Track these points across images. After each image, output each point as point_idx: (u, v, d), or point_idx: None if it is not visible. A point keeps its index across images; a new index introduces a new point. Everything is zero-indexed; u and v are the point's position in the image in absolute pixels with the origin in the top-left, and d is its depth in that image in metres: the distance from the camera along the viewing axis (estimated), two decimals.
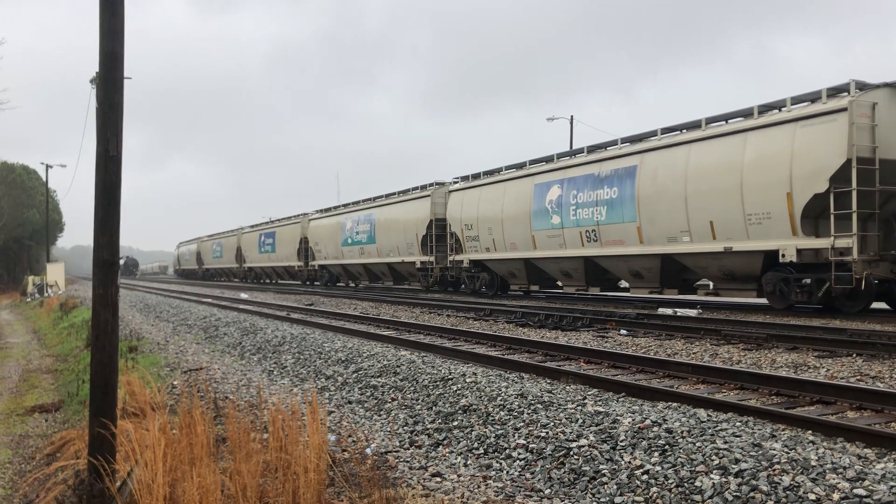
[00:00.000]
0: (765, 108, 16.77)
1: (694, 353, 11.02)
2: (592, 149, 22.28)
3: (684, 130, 18.99)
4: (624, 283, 23.13)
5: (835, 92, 15.26)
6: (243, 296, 32.82)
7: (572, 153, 23.50)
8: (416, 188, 32.63)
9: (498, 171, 27.00)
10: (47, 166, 53.09)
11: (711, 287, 19.00)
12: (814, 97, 15.72)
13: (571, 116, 41.15)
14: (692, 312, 16.97)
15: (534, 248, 23.92)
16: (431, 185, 31.33)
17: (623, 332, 14.08)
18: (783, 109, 16.31)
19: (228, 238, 60.94)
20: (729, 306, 19.42)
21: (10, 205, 61.87)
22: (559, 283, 25.10)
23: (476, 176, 28.21)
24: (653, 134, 19.92)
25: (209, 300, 29.39)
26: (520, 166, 25.71)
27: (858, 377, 8.69)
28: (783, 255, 15.79)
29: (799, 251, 15.54)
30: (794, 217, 15.56)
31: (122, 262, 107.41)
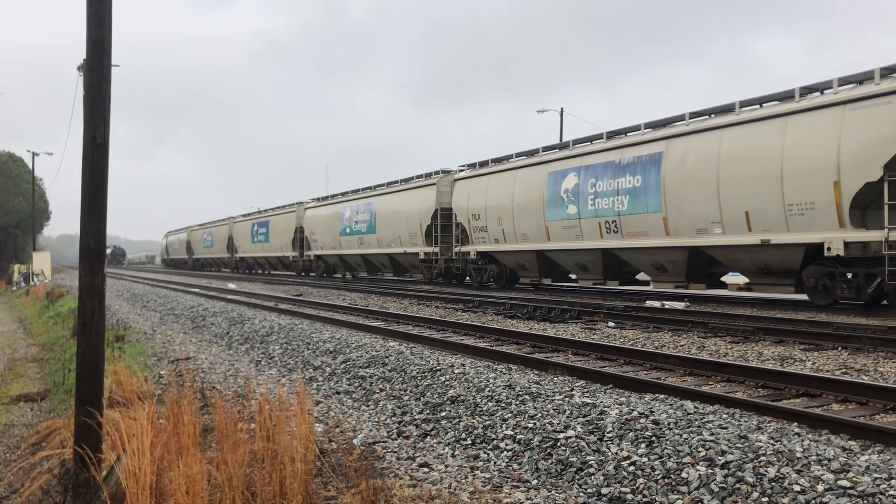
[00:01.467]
0: (807, 91, 15.73)
1: (681, 346, 11.07)
2: (612, 134, 21.09)
3: (713, 115, 17.96)
4: (643, 276, 22.08)
5: (888, 72, 14.32)
6: (231, 286, 32.71)
7: (589, 139, 22.17)
8: (419, 176, 31.42)
9: (507, 158, 25.85)
10: (33, 154, 52.68)
11: (744, 282, 18.00)
12: (863, 78, 14.74)
13: (562, 109, 41.07)
14: (680, 305, 17.03)
15: (547, 240, 22.74)
16: (437, 172, 30.21)
17: (611, 324, 14.12)
18: (826, 92, 15.31)
19: (220, 227, 59.64)
20: (716, 299, 19.50)
21: None
22: (572, 277, 24.10)
23: (483, 163, 27.00)
24: (679, 118, 18.78)
25: (196, 290, 29.28)
26: (531, 153, 24.55)
27: (844, 370, 8.76)
28: (829, 249, 14.68)
29: (846, 244, 14.44)
30: (841, 207, 14.46)
31: (109, 251, 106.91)
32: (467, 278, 28.99)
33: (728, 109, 17.40)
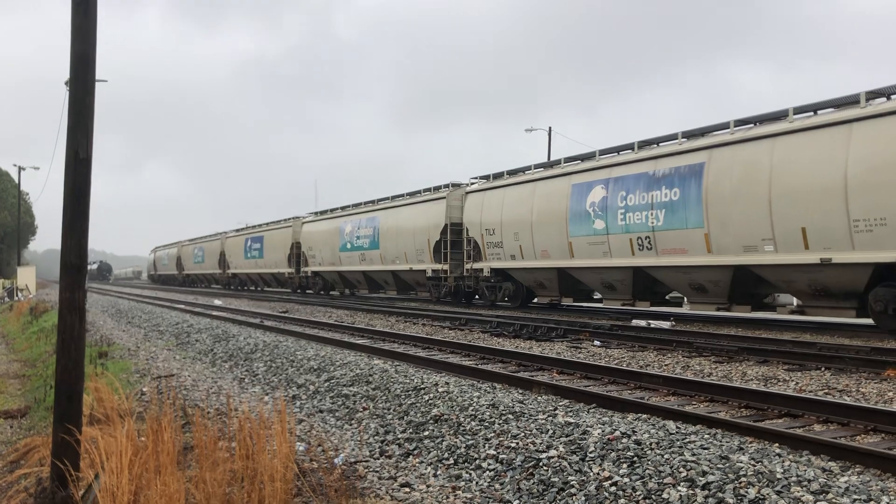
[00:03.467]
0: (873, 95, 14.39)
1: (666, 365, 11.09)
2: (644, 144, 19.60)
3: (758, 123, 16.55)
4: (674, 296, 21.02)
5: None
6: (217, 302, 32.55)
7: (617, 150, 20.69)
8: (427, 189, 29.97)
9: (524, 170, 24.50)
10: (20, 168, 52.42)
11: (794, 305, 16.81)
12: None
13: (550, 128, 41.35)
14: (665, 324, 17.07)
15: (570, 257, 21.24)
16: (446, 186, 28.70)
17: (597, 343, 14.12)
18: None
19: (211, 242, 58.14)
20: (702, 318, 19.54)
21: None
22: (595, 296, 22.87)
23: (498, 175, 25.58)
24: (723, 126, 17.33)
25: (182, 306, 29.12)
26: (552, 164, 23.23)
27: (826, 391, 8.79)
28: None
29: None
30: None
31: (95, 266, 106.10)
32: (477, 297, 27.54)
33: (779, 116, 16.11)
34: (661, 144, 19.22)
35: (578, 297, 23.20)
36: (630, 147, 20.05)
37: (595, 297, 23.14)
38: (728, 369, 10.60)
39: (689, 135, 18.29)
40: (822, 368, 10.49)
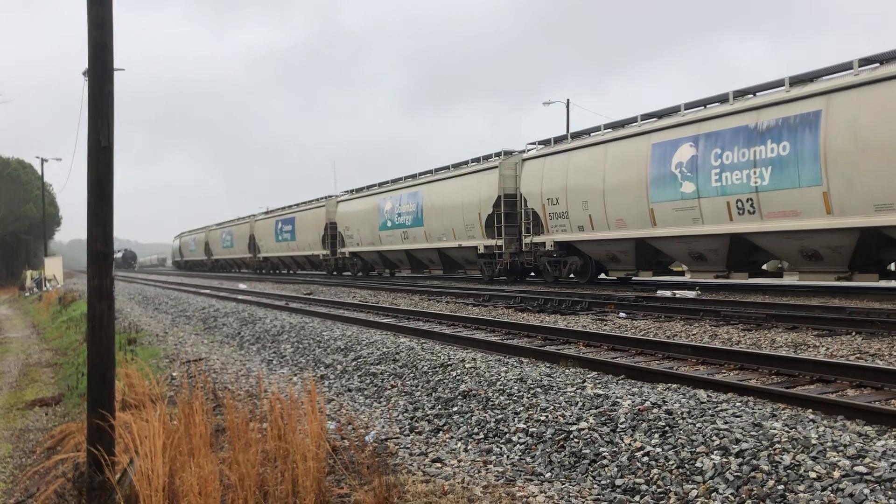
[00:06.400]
0: None
1: (693, 335, 11.02)
2: (739, 94, 17.45)
3: (883, 62, 14.47)
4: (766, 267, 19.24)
5: None
6: (242, 286, 32.81)
7: (705, 102, 18.57)
8: (475, 159, 27.99)
9: (590, 131, 22.40)
10: (42, 160, 52.86)
11: None
12: None
13: (567, 100, 40.91)
14: (691, 294, 16.95)
15: (652, 226, 19.09)
16: (498, 154, 26.64)
17: (622, 314, 14.06)
18: None
19: (240, 226, 56.72)
20: (728, 287, 19.38)
21: (6, 199, 61.80)
22: (672, 268, 21.12)
23: (560, 139, 23.48)
24: (843, 68, 15.14)
25: (207, 291, 29.38)
26: (626, 123, 20.93)
27: (858, 355, 8.69)
28: None
29: None
30: None
31: (120, 254, 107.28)
32: (532, 274, 26.01)
33: None
34: (759, 94, 17.26)
35: (657, 270, 21.12)
36: (723, 98, 17.99)
37: (674, 269, 21.52)
38: (756, 337, 10.51)
39: (797, 80, 16.12)
40: (853, 333, 10.37)
